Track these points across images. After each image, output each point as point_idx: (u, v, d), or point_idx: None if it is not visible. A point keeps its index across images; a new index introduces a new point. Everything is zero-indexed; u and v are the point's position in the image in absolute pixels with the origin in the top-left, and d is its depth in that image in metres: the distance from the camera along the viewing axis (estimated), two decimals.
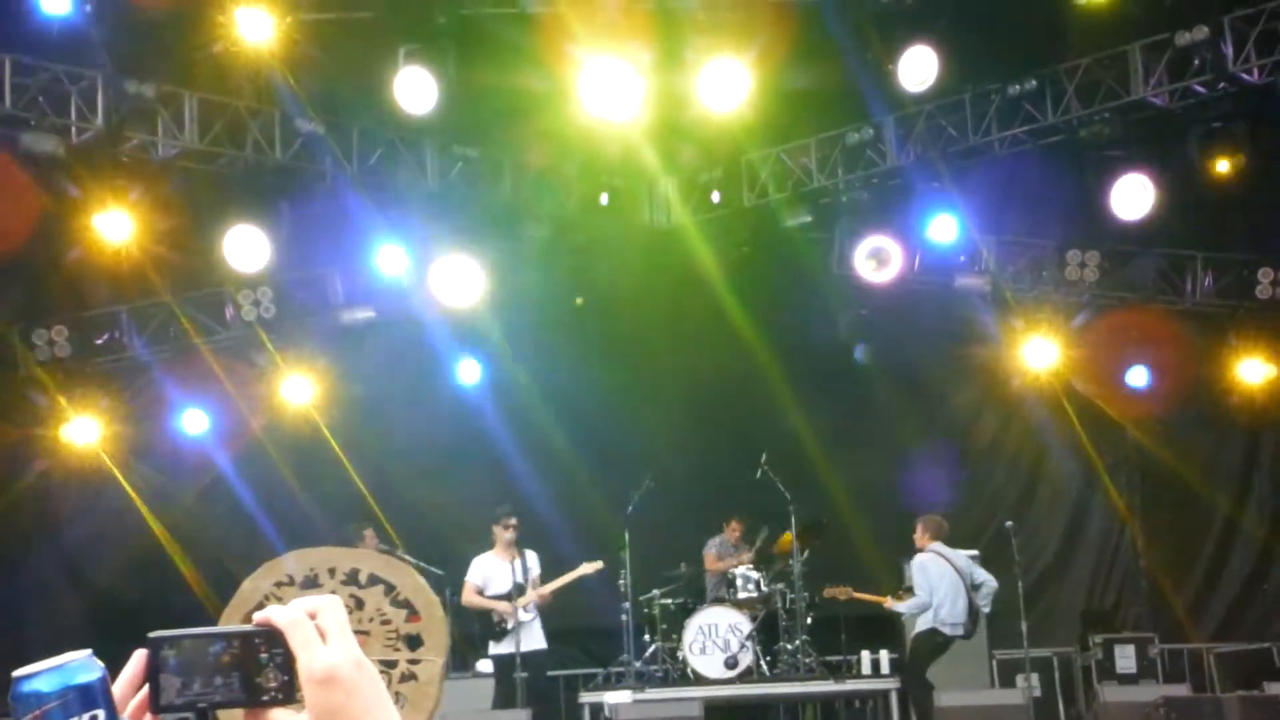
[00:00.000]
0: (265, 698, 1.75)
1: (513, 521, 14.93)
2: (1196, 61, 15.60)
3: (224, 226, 16.13)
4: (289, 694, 1.75)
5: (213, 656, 1.74)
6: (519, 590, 14.73)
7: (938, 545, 15.40)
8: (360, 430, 18.59)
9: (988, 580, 15.45)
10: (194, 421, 18.48)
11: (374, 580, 4.87)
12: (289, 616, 1.75)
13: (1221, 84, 15.58)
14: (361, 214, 17.02)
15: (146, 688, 1.75)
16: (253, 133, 15.82)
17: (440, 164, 16.91)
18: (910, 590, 15.62)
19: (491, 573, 14.93)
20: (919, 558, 15.42)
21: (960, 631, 15.22)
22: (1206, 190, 16.68)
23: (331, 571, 5.43)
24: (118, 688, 1.75)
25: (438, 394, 18.93)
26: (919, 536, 15.50)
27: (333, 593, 4.19)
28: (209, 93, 15.64)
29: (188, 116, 15.48)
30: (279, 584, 5.57)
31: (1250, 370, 18.20)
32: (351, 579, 4.67)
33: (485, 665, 15.59)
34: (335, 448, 18.23)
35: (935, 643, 15.25)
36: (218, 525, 17.72)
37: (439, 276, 17.11)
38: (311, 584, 5.47)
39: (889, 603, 15.74)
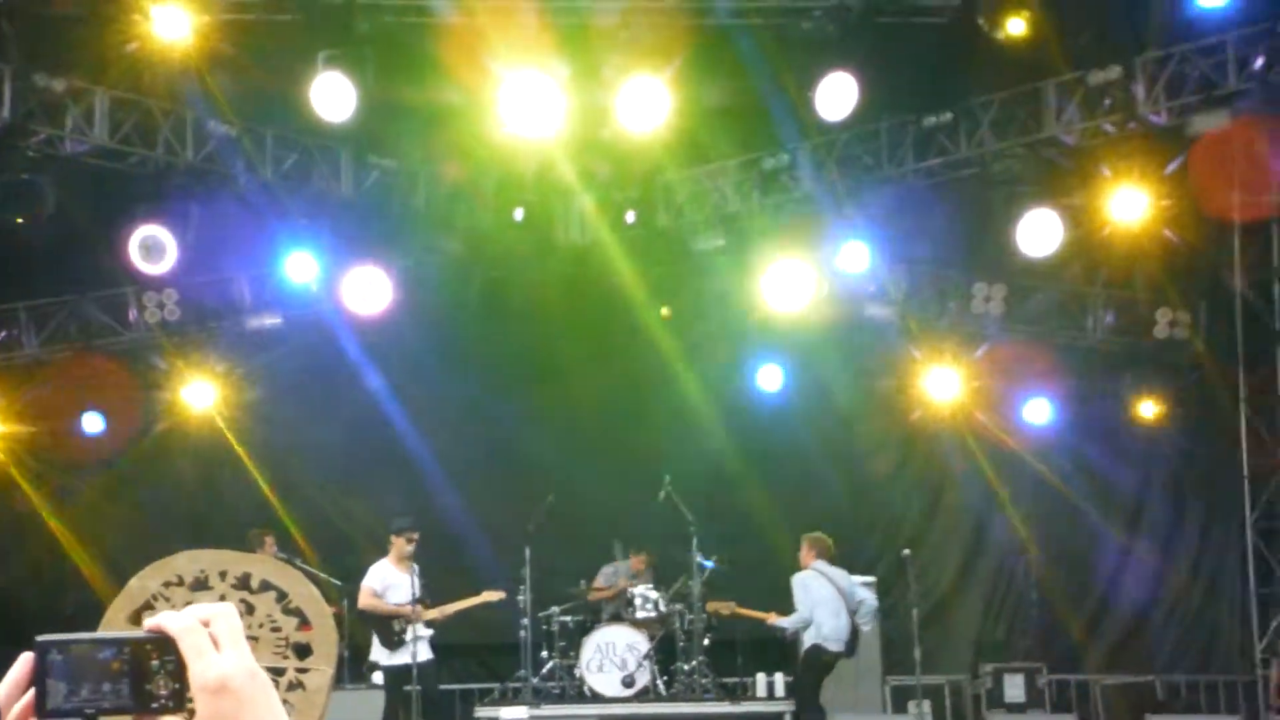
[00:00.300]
0: (155, 705, 1.72)
1: (415, 535, 14.83)
2: (1108, 101, 15.83)
3: (131, 226, 15.93)
4: (179, 702, 1.72)
5: (102, 662, 1.71)
6: (418, 603, 14.60)
7: (820, 563, 15.40)
8: (266, 437, 18.46)
9: (868, 598, 15.52)
10: (92, 422, 18.24)
11: (266, 586, 4.82)
12: (182, 623, 1.72)
13: (1131, 123, 15.82)
14: (272, 220, 16.88)
15: (33, 691, 1.72)
16: (164, 132, 15.65)
17: (356, 173, 16.82)
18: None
19: (391, 581, 14.78)
20: (800, 575, 15.37)
21: (841, 648, 15.25)
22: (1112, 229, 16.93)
23: (223, 575, 5.34)
24: (2, 691, 1.73)
25: (345, 403, 18.78)
26: (803, 554, 15.48)
27: (222, 596, 4.14)
28: (121, 90, 15.45)
29: (98, 113, 15.30)
30: (167, 584, 5.48)
31: (1145, 408, 18.45)
32: (243, 583, 4.61)
33: (376, 677, 15.45)
34: (240, 453, 18.11)
35: (821, 661, 15.27)
36: (118, 526, 17.48)
37: (350, 285, 16.98)
38: (201, 586, 5.39)
39: (771, 618, 15.72)
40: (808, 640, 15.28)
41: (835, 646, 15.22)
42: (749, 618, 16.09)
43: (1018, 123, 16.44)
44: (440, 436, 18.44)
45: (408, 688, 14.55)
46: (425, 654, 14.70)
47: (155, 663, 1.72)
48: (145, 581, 6.16)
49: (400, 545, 14.82)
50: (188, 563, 6.11)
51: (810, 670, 15.39)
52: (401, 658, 14.60)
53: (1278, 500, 18.82)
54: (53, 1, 14.86)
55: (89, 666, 1.71)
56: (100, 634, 1.73)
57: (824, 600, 15.17)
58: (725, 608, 16.00)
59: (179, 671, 1.72)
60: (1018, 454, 19.15)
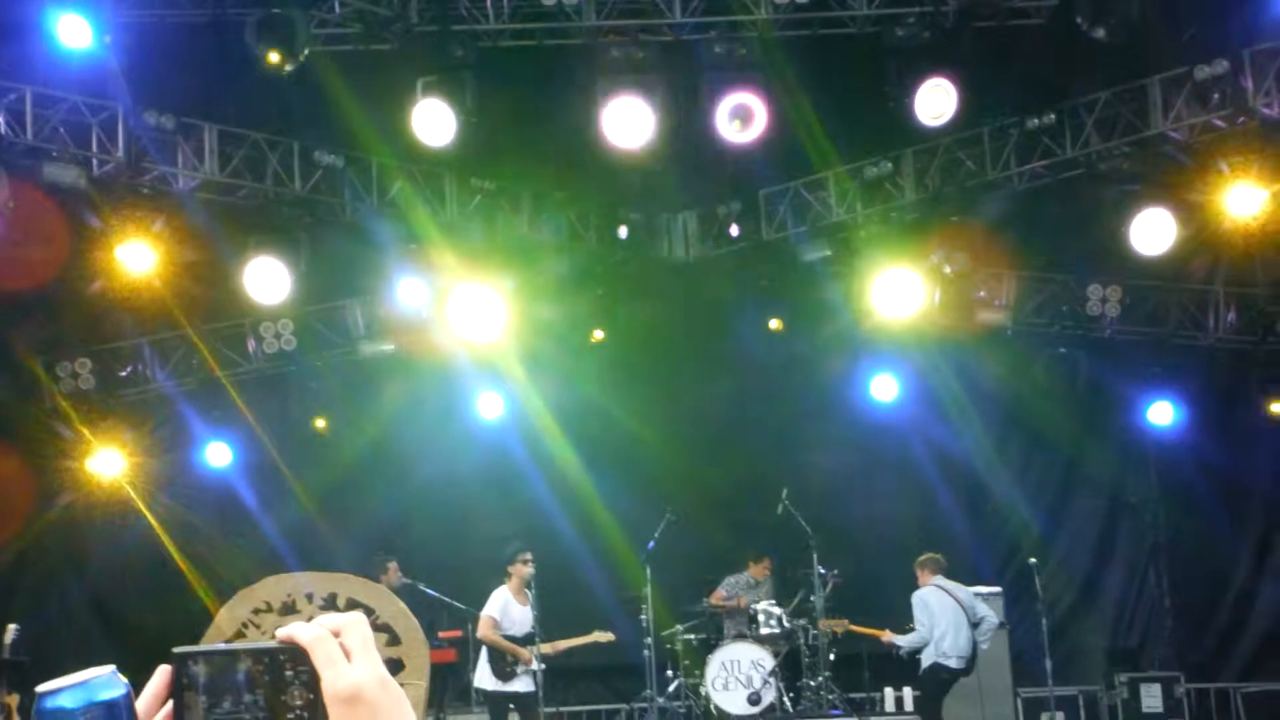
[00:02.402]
0: (291, 715, 1.70)
1: (529, 556, 14.62)
2: (1216, 96, 15.54)
3: (244, 259, 16.25)
4: (314, 712, 1.70)
5: (239, 674, 1.70)
6: (530, 639, 14.44)
7: (938, 579, 15.28)
8: (383, 464, 18.68)
9: (988, 616, 15.27)
10: (217, 454, 18.61)
11: (353, 604, 4.86)
12: (313, 634, 1.71)
13: (1242, 118, 15.51)
14: (381, 247, 17.13)
15: (170, 705, 1.71)
16: (272, 164, 15.97)
17: (459, 196, 17.01)
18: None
19: (512, 612, 14.60)
20: (920, 592, 15.27)
21: (964, 665, 15.02)
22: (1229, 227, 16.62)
23: (309, 596, 5.38)
24: (141, 703, 1.72)
25: (459, 428, 18.96)
26: (920, 576, 15.40)
27: (310, 618, 4.16)
28: (228, 124, 15.79)
29: (207, 148, 15.66)
30: (256, 610, 5.52)
31: (1274, 405, 18.02)
32: (330, 603, 4.67)
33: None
34: (362, 480, 18.37)
35: (940, 679, 15.07)
36: (241, 557, 17.75)
37: (458, 309, 17.15)
38: (290, 610, 5.43)
39: (886, 636, 15.61)
40: (927, 658, 15.11)
41: (956, 664, 14.99)
42: (863, 634, 15.95)
43: (1123, 121, 16.19)
44: (552, 459, 18.49)
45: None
46: (527, 686, 14.54)
47: (289, 673, 1.71)
48: (234, 611, 6.20)
49: (519, 570, 14.60)
50: (274, 587, 6.15)
51: (930, 689, 15.25)
52: (508, 686, 14.58)
53: None
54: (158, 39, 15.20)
55: (225, 678, 1.70)
56: (236, 645, 1.72)
57: (945, 615, 14.99)
58: (839, 625, 15.87)
59: (313, 682, 1.70)
60: (1145, 457, 18.83)
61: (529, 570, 14.58)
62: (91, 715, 1.65)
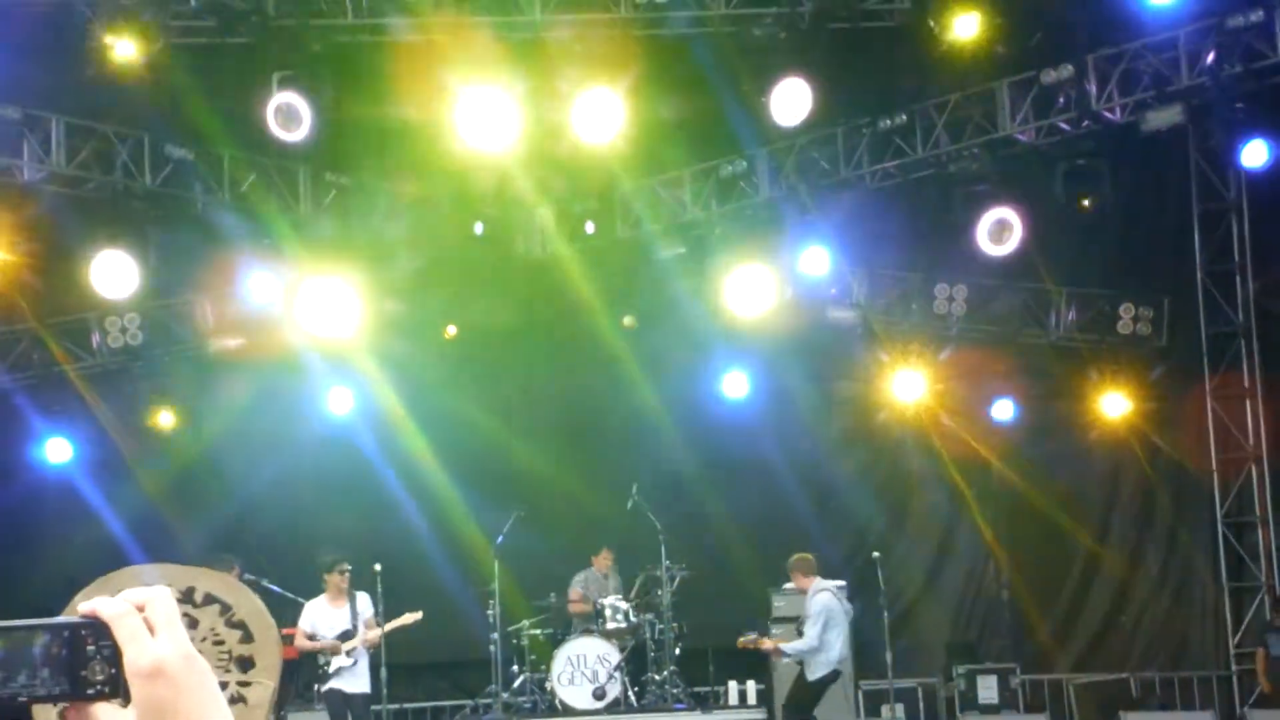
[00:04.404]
0: (91, 691, 1.69)
1: (347, 569, 14.85)
2: (1061, 99, 15.90)
3: (91, 252, 15.90)
4: (115, 688, 1.69)
5: (38, 648, 1.68)
6: (345, 636, 14.65)
7: (823, 581, 14.89)
8: (230, 459, 18.41)
9: (850, 608, 15.37)
10: (56, 449, 18.19)
11: (210, 599, 4.80)
12: (116, 609, 1.69)
13: (1085, 121, 15.89)
14: (231, 241, 16.85)
15: None
16: (122, 157, 15.62)
17: (313, 191, 16.79)
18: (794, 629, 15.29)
19: (318, 619, 14.81)
20: (821, 598, 14.68)
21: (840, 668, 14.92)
22: (1071, 226, 17.04)
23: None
24: None
25: (308, 424, 18.74)
26: (798, 579, 15.02)
27: None
28: (77, 117, 15.41)
29: (54, 140, 15.26)
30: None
31: (1111, 404, 18.51)
32: (187, 597, 4.59)
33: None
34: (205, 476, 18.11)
35: (826, 686, 14.77)
36: (81, 553, 17.36)
37: (309, 305, 16.94)
38: None
39: (769, 643, 15.29)
40: (821, 666, 14.60)
41: (839, 668, 14.76)
42: (761, 649, 15.63)
43: (973, 123, 16.49)
44: (404, 455, 18.38)
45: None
46: (362, 686, 14.74)
47: (91, 648, 1.68)
48: (90, 597, 6.16)
49: (334, 580, 14.85)
50: (130, 579, 6.09)
51: (817, 694, 14.81)
52: (335, 684, 14.71)
53: (1246, 495, 18.96)
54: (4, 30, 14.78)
55: (24, 653, 1.68)
56: (34, 620, 1.69)
57: (839, 622, 14.64)
58: (762, 641, 15.50)
59: (115, 657, 1.68)
60: (984, 455, 19.20)
61: (343, 583, 14.86)
62: None
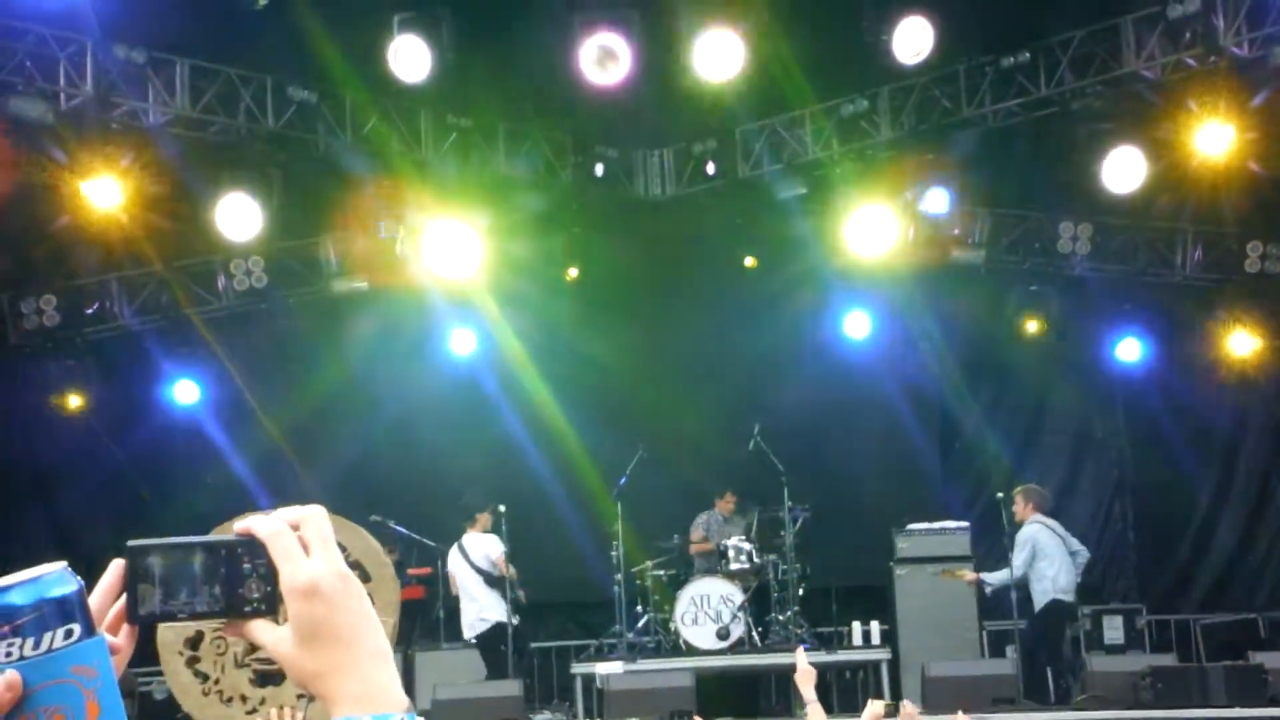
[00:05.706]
0: (247, 609, 1.72)
1: (500, 508, 15.58)
2: (1188, 34, 15.57)
3: (215, 195, 16.03)
4: (271, 605, 1.72)
5: (195, 566, 1.71)
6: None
7: (1040, 516, 15.65)
8: (354, 400, 18.61)
9: (1081, 550, 15.79)
10: (185, 391, 18.46)
11: None
12: (271, 527, 1.72)
13: (1212, 57, 15.56)
14: (354, 183, 16.94)
15: (124, 597, 1.71)
16: (245, 100, 15.69)
17: (434, 133, 16.79)
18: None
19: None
20: (1028, 529, 15.58)
21: (1074, 598, 15.57)
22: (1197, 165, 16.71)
23: None
24: (95, 598, 1.71)
25: (431, 364, 18.90)
26: (1019, 508, 15.73)
27: None
28: (200, 59, 15.50)
29: (179, 83, 15.35)
30: None
31: (1238, 342, 18.24)
32: None
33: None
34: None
35: (1060, 614, 15.55)
36: (208, 495, 17.62)
37: (432, 246, 17.00)
38: None
39: (980, 577, 15.98)
40: (1044, 595, 15.45)
41: (1069, 598, 15.55)
42: (963, 580, 16.06)
43: (1097, 60, 16.18)
44: (525, 396, 18.47)
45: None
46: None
47: (247, 566, 1.72)
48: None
49: (484, 520, 15.66)
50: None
51: (1055, 625, 15.65)
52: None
53: None
54: None
55: (181, 571, 1.71)
56: (192, 539, 1.73)
57: (1053, 553, 15.32)
58: (961, 574, 15.97)
59: (270, 575, 1.71)
60: (1111, 393, 19.01)
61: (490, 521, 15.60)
62: (43, 612, 1.63)
